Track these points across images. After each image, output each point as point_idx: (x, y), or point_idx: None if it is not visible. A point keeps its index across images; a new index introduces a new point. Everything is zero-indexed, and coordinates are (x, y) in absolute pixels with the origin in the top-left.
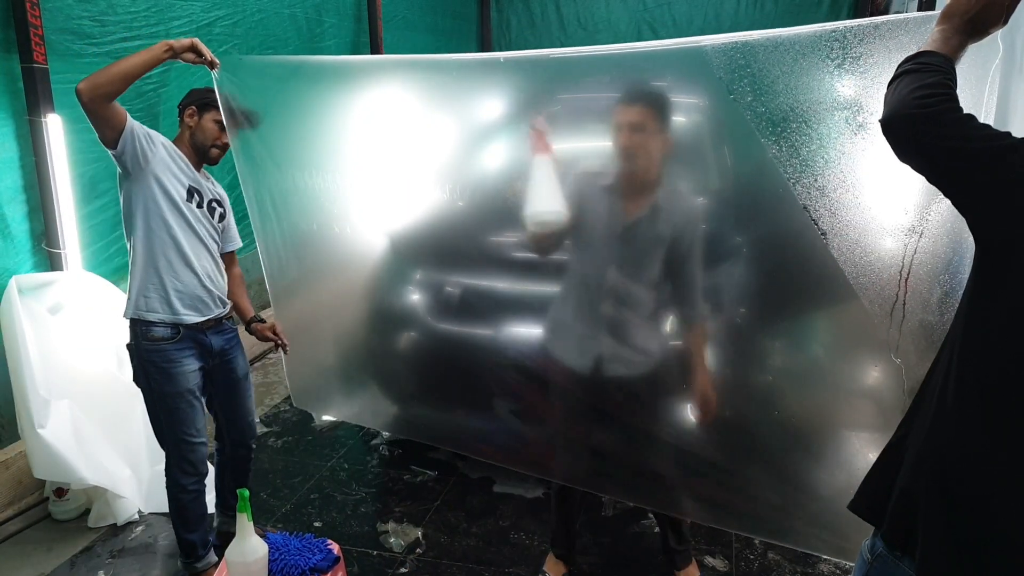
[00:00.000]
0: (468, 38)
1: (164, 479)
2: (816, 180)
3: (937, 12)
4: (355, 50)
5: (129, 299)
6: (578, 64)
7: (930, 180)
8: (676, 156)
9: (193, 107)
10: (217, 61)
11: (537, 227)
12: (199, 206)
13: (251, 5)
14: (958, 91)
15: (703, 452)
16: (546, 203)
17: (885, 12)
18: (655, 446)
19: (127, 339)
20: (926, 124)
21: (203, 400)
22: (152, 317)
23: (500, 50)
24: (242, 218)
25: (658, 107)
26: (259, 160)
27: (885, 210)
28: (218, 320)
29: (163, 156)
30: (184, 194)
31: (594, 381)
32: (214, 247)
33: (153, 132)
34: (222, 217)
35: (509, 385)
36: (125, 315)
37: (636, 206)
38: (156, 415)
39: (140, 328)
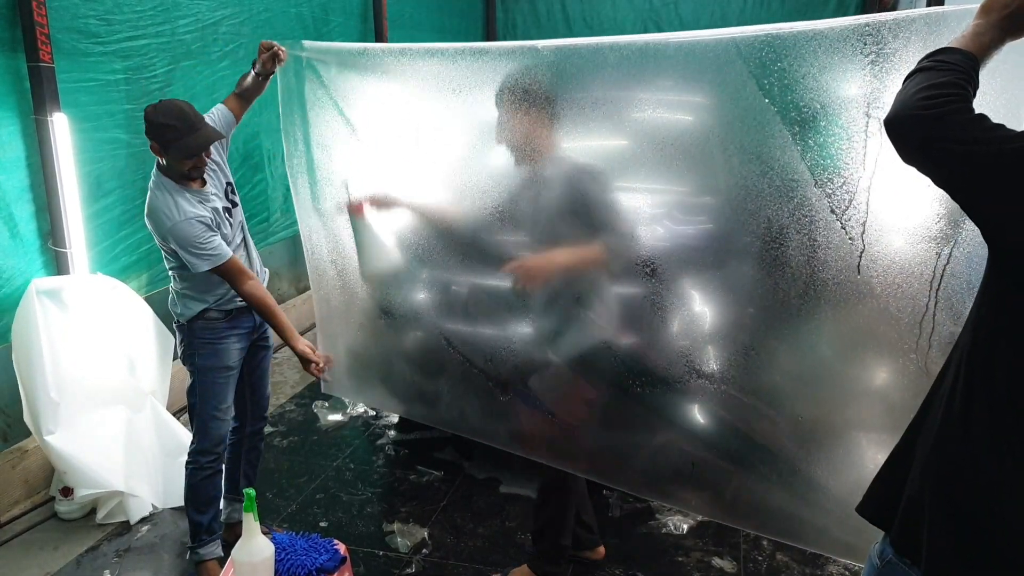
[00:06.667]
0: (474, 37)
1: (176, 475)
2: (845, 183)
3: (975, 6)
4: None
5: (182, 304)
6: (608, 55)
7: (936, 183)
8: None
9: (155, 144)
10: (283, 50)
11: None
12: (227, 217)
13: (257, 4)
14: (997, 91)
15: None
16: None
17: (893, 10)
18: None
19: (178, 321)
20: (930, 126)
21: (237, 381)
22: (204, 307)
23: None
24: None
25: None
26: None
27: (917, 217)
28: None
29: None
30: (211, 219)
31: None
32: (242, 235)
33: None
34: (236, 203)
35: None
36: (180, 319)
37: None
38: (195, 391)
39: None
